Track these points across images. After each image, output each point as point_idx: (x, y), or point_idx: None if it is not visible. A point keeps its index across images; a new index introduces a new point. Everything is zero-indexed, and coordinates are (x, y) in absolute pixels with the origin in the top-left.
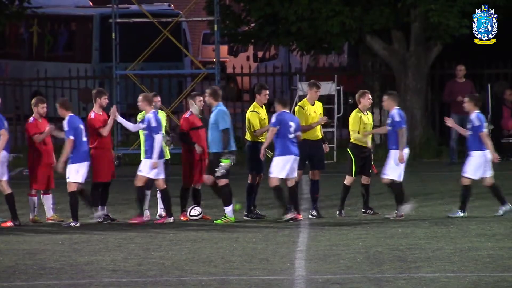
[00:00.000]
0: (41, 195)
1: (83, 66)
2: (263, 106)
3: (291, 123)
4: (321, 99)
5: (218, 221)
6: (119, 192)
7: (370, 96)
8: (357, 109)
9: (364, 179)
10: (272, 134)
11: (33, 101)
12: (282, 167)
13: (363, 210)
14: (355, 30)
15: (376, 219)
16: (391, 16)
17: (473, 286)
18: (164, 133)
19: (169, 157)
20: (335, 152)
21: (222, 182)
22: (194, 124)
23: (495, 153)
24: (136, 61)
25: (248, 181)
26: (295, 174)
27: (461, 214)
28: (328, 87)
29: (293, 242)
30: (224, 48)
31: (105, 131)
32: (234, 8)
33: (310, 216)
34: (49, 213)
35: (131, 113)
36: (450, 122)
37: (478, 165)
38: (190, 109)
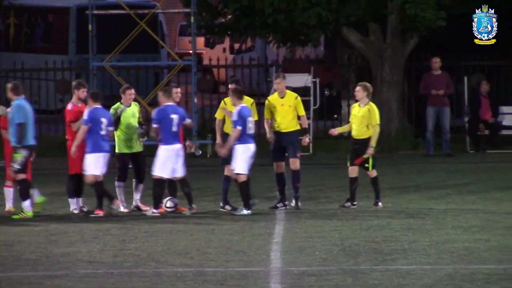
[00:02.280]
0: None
1: (60, 57)
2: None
3: (103, 119)
4: (297, 91)
5: (15, 216)
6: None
7: (356, 88)
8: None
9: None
10: (83, 132)
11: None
12: (95, 164)
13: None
14: (331, 22)
15: (352, 211)
16: (368, 8)
17: (449, 279)
18: (137, 125)
19: (142, 149)
20: (311, 144)
21: (20, 176)
22: None
23: None
24: (112, 53)
25: (225, 173)
26: (104, 170)
27: None
28: (304, 79)
29: (269, 234)
30: (200, 40)
31: (75, 126)
32: (210, 0)
33: (290, 206)
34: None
35: (108, 105)
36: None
37: None
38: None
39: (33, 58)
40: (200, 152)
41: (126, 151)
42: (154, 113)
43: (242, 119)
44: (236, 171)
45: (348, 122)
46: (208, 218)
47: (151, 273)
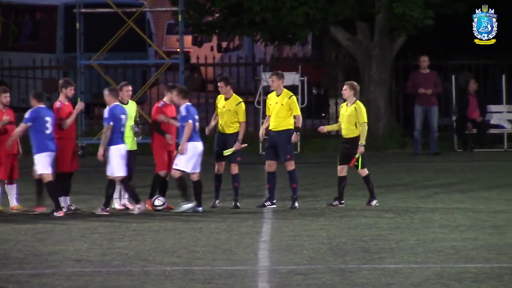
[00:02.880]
0: (5, 185)
1: (47, 56)
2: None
3: (47, 118)
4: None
5: None
6: (82, 182)
7: (343, 87)
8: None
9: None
10: (22, 130)
11: None
12: (43, 164)
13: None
14: (319, 20)
15: (339, 210)
16: (356, 7)
17: (437, 277)
18: (133, 123)
19: (135, 148)
20: (299, 143)
21: None
22: (166, 113)
23: None
24: (100, 51)
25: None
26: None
27: None
28: (292, 78)
29: (256, 233)
30: (188, 39)
31: (65, 124)
32: None
33: (290, 208)
34: (13, 203)
35: (95, 103)
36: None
37: None
38: (164, 99)
39: (20, 56)
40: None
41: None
42: (105, 112)
43: (191, 115)
44: (175, 167)
45: (336, 120)
46: (195, 216)
47: (139, 272)
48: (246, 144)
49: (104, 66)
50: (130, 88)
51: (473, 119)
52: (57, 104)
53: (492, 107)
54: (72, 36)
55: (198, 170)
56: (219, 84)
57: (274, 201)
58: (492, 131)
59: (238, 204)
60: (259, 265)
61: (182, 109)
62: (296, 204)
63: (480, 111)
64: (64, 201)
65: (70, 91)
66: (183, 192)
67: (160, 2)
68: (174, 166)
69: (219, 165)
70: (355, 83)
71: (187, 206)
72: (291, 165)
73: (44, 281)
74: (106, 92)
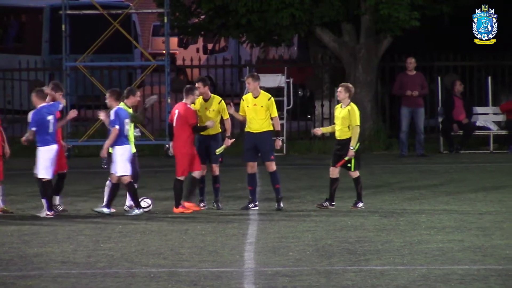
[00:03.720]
0: None
1: (33, 58)
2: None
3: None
4: (270, 91)
5: None
6: (68, 184)
7: (338, 89)
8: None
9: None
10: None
11: None
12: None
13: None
14: (305, 22)
15: (325, 212)
16: (341, 8)
17: (423, 279)
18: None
19: (135, 150)
20: (284, 145)
21: None
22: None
23: None
24: (86, 53)
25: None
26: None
27: None
28: (278, 80)
29: (242, 235)
30: (174, 40)
31: (56, 126)
32: (184, 0)
33: (276, 209)
34: None
35: (81, 105)
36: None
37: None
38: (185, 100)
39: (6, 58)
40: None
41: (133, 151)
42: (111, 114)
43: (120, 120)
44: (118, 174)
45: (326, 122)
46: (181, 218)
47: (125, 274)
48: (234, 139)
49: (90, 68)
50: (139, 93)
51: (459, 121)
52: None
53: (478, 109)
54: (58, 38)
55: (128, 173)
56: (197, 85)
57: (257, 203)
58: (478, 132)
59: (220, 204)
60: (245, 267)
61: (112, 112)
62: (282, 205)
63: (466, 113)
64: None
65: (59, 95)
66: (133, 196)
67: (146, 4)
68: (116, 175)
69: (202, 167)
70: (351, 85)
71: (137, 211)
72: (273, 166)
73: (30, 283)
74: (33, 94)
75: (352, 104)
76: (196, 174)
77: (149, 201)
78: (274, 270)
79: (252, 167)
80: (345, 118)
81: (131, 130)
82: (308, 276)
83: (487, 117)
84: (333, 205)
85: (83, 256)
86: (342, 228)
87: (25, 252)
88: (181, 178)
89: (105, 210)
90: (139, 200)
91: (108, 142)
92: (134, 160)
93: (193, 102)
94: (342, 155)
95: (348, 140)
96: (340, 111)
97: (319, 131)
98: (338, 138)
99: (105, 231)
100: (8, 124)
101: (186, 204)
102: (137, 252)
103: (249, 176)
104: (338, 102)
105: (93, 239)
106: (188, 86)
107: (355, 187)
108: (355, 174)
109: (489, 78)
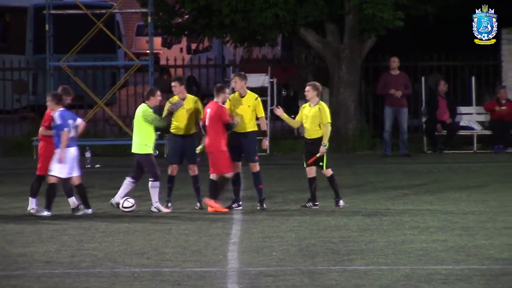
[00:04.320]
0: None
1: (17, 57)
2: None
3: (70, 121)
4: (254, 91)
5: None
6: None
7: (306, 88)
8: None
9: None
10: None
11: None
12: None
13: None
14: (289, 22)
15: (308, 212)
16: (325, 8)
17: (406, 279)
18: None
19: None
20: (268, 145)
21: None
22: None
23: None
24: (69, 53)
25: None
26: None
27: None
28: (261, 79)
29: (226, 234)
30: (157, 40)
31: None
32: (167, 0)
33: (260, 209)
34: None
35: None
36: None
37: None
38: (216, 99)
39: None
40: (157, 152)
41: (151, 152)
42: (56, 118)
43: (65, 122)
44: (51, 173)
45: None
46: (165, 218)
47: (108, 273)
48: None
49: (73, 68)
50: (159, 92)
51: (442, 121)
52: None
53: (462, 109)
54: (41, 38)
55: (77, 174)
56: (173, 84)
57: (240, 203)
58: (462, 132)
59: (202, 204)
60: (229, 267)
61: (56, 116)
62: (265, 205)
63: (449, 113)
64: (36, 202)
65: (67, 98)
66: (49, 199)
67: (130, 4)
68: (49, 172)
69: (172, 168)
70: (318, 84)
71: (45, 213)
72: (257, 167)
73: (13, 282)
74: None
75: (321, 102)
76: (229, 174)
77: (132, 201)
78: (258, 270)
79: (237, 166)
80: (316, 117)
81: (150, 132)
82: (292, 276)
83: (471, 117)
84: (316, 205)
85: (66, 256)
86: (325, 228)
87: (8, 252)
88: (229, 175)
89: (89, 211)
90: (123, 200)
91: (62, 146)
92: (152, 160)
93: (224, 101)
94: (314, 153)
95: (319, 138)
96: (309, 110)
97: (280, 111)
98: (309, 137)
99: (89, 231)
100: None
101: (210, 202)
102: (121, 251)
103: (233, 176)
104: (306, 101)
105: (77, 238)
106: (218, 85)
107: (331, 185)
108: (328, 172)
109: (473, 78)
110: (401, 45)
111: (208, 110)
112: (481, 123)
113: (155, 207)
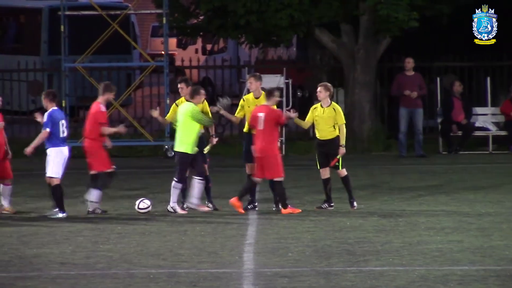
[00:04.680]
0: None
1: (32, 58)
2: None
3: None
4: None
5: None
6: (69, 186)
7: (318, 89)
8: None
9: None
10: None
11: None
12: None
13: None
14: (303, 23)
15: (324, 212)
16: (340, 9)
17: (422, 280)
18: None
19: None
20: (283, 146)
21: None
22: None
23: None
24: (84, 54)
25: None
26: None
27: None
28: (276, 80)
29: (241, 236)
30: (172, 41)
31: (106, 130)
32: (182, 1)
33: (275, 210)
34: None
35: (80, 106)
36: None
37: None
38: (267, 103)
39: (5, 59)
40: (173, 153)
41: (190, 152)
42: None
43: (53, 122)
44: (48, 175)
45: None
46: (180, 219)
47: (124, 275)
48: (218, 138)
49: (88, 69)
50: (203, 91)
51: (458, 122)
52: (102, 107)
53: (477, 109)
54: (56, 39)
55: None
56: (179, 85)
57: (256, 204)
58: (477, 133)
59: (214, 204)
60: (244, 268)
61: (46, 114)
62: (280, 206)
63: (465, 114)
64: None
65: (110, 95)
66: (58, 200)
67: (145, 5)
68: (47, 174)
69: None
70: (329, 84)
71: (60, 215)
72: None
73: (28, 284)
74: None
75: (334, 103)
76: (281, 179)
77: (148, 202)
78: (273, 271)
79: (252, 168)
80: (330, 118)
81: (195, 131)
82: (307, 277)
83: (486, 118)
84: (332, 206)
85: (82, 257)
86: (341, 229)
87: (24, 253)
88: (281, 179)
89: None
90: (139, 200)
91: (35, 141)
92: (199, 159)
93: (274, 104)
94: (329, 154)
95: (334, 139)
96: (323, 111)
97: (293, 115)
98: (324, 138)
99: (104, 232)
100: (7, 125)
101: (286, 211)
102: (136, 253)
103: (248, 177)
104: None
105: (92, 240)
106: (269, 88)
107: (345, 186)
108: (343, 172)
109: (488, 78)
110: (416, 46)
111: (262, 115)
112: (497, 124)
113: (171, 207)
